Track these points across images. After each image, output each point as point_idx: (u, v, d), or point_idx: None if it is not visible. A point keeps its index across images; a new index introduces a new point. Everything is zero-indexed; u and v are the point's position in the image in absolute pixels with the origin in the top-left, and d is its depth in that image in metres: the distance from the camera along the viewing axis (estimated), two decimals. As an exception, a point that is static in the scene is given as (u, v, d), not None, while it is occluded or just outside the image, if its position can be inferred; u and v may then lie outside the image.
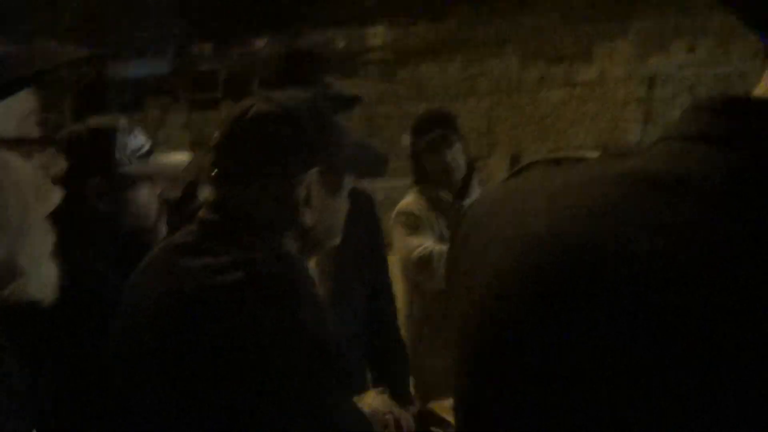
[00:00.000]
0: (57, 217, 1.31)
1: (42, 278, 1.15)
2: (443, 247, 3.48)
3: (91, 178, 2.25)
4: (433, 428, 2.80)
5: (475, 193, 3.70)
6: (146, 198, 2.39)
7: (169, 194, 2.50)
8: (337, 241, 1.87)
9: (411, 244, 3.55)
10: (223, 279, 1.53)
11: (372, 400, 2.24)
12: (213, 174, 1.74)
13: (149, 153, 2.39)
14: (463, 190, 3.71)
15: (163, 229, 2.45)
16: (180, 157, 2.48)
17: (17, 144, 1.08)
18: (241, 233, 1.65)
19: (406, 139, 3.94)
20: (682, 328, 0.59)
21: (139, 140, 2.36)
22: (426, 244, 3.51)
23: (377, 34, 43.08)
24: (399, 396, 2.98)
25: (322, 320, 1.54)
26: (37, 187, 1.11)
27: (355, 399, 1.78)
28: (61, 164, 1.17)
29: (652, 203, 0.64)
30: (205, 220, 1.71)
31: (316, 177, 1.72)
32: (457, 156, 3.68)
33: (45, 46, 1.16)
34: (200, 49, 48.35)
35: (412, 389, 3.30)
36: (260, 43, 47.19)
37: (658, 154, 0.69)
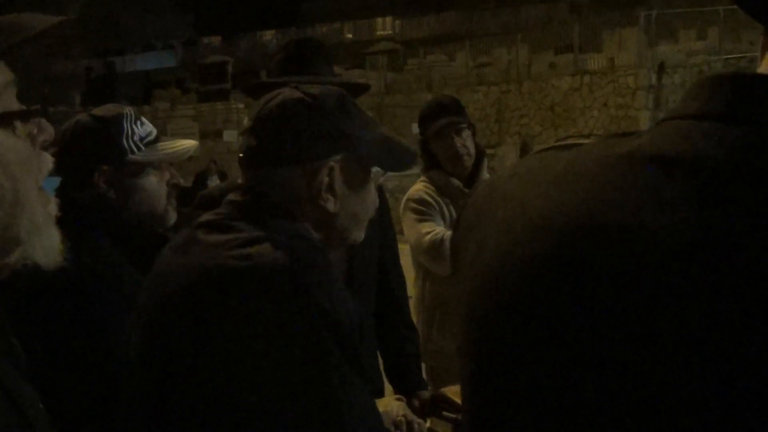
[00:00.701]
0: (63, 197, 1.31)
1: (44, 245, 1.14)
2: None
3: (100, 167, 2.25)
4: (445, 413, 2.80)
5: (485, 179, 3.71)
6: (155, 184, 2.39)
7: (178, 180, 2.50)
8: (362, 236, 1.90)
9: (422, 230, 3.56)
10: (239, 252, 1.56)
11: (388, 403, 2.26)
12: (240, 157, 1.78)
13: (156, 140, 2.39)
14: (472, 177, 3.70)
15: (173, 214, 2.45)
16: (186, 143, 2.48)
17: None
18: (265, 215, 1.68)
19: (415, 128, 3.94)
20: (692, 303, 0.58)
21: (146, 128, 2.36)
22: (437, 230, 3.52)
23: (385, 25, 43.09)
24: (411, 381, 3.00)
25: (339, 302, 1.56)
26: (24, 158, 1.09)
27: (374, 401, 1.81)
28: (47, 131, 1.15)
29: (657, 181, 0.63)
30: (233, 201, 1.75)
31: (340, 165, 1.74)
32: (466, 142, 3.67)
33: (19, 17, 1.14)
34: (209, 42, 48.39)
35: (424, 374, 3.31)
36: (268, 35, 47.13)
37: (662, 132, 0.67)
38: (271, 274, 1.50)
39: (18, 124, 1.09)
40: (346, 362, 1.52)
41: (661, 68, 21.61)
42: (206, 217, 1.72)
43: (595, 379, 0.62)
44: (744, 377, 0.56)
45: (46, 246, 1.14)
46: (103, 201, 2.23)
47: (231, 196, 1.75)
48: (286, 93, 1.77)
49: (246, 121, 1.78)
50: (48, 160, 1.15)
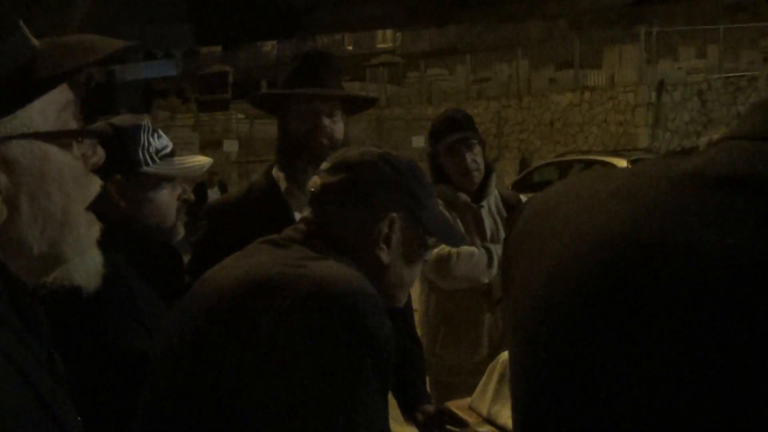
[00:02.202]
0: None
1: (86, 266, 1.16)
2: (460, 248, 3.49)
3: (113, 176, 2.25)
4: (449, 427, 2.80)
5: (493, 195, 3.73)
6: (166, 198, 2.38)
7: (189, 196, 2.50)
8: (403, 302, 1.98)
9: (432, 250, 3.56)
10: (296, 263, 1.63)
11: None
12: (313, 190, 1.86)
13: (172, 154, 2.39)
14: (480, 192, 3.71)
15: (181, 229, 2.45)
16: (202, 159, 2.48)
17: (57, 136, 1.08)
18: (323, 246, 1.76)
19: (416, 141, 3.95)
20: (751, 325, 0.58)
21: (162, 141, 2.35)
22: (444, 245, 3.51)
23: (386, 38, 43.16)
24: (415, 394, 3.00)
25: (386, 330, 1.61)
26: (77, 177, 1.12)
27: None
28: (99, 154, 1.18)
29: (716, 202, 0.63)
30: (297, 228, 1.85)
31: (401, 222, 1.84)
32: (477, 158, 3.67)
33: (84, 38, 1.17)
34: (209, 52, 48.42)
35: (428, 388, 3.30)
36: (268, 45, 47.16)
37: (720, 153, 0.67)
38: (325, 283, 1.54)
39: (74, 143, 1.10)
40: (378, 389, 1.54)
41: (661, 85, 21.65)
42: (267, 237, 1.82)
43: (652, 398, 0.62)
44: None
45: (89, 267, 1.17)
46: (113, 210, 2.22)
47: (294, 225, 1.85)
48: (369, 147, 1.92)
49: (324, 164, 1.88)
50: (97, 183, 1.17)
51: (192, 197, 2.50)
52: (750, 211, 0.61)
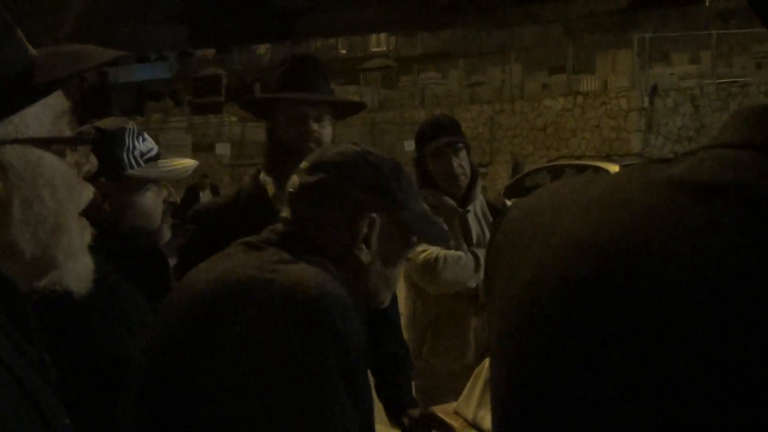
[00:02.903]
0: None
1: (78, 271, 1.18)
2: (447, 252, 3.49)
3: (98, 179, 2.25)
4: (435, 431, 2.81)
5: (479, 199, 3.74)
6: (151, 201, 2.38)
7: (175, 199, 2.50)
8: (388, 301, 1.97)
9: (415, 248, 3.57)
10: (268, 266, 1.63)
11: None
12: (291, 190, 1.85)
13: (157, 157, 2.39)
14: (467, 196, 3.72)
15: (167, 232, 2.45)
16: (186, 162, 2.48)
17: (51, 142, 1.11)
18: (300, 247, 1.76)
19: (408, 145, 3.96)
20: (728, 330, 0.58)
21: (147, 144, 2.35)
22: (430, 248, 3.52)
23: (379, 42, 43.18)
24: (402, 399, 3.00)
25: (354, 333, 1.61)
26: (69, 184, 1.14)
27: None
28: (92, 162, 1.21)
29: (697, 209, 0.64)
30: (273, 229, 1.83)
31: (381, 222, 1.83)
32: (463, 162, 3.67)
33: (79, 47, 1.19)
34: (203, 54, 48.38)
35: (414, 393, 3.30)
36: (262, 48, 47.14)
37: (702, 161, 0.68)
38: (293, 288, 1.54)
39: (68, 151, 1.12)
40: (346, 391, 1.55)
41: (654, 91, 21.68)
42: (245, 239, 1.81)
43: (628, 400, 0.63)
44: None
45: (80, 272, 1.18)
46: (98, 213, 2.22)
47: (272, 226, 1.85)
48: (348, 146, 1.89)
49: (303, 163, 1.87)
50: (90, 190, 1.20)
51: (177, 200, 2.50)
52: (731, 219, 0.61)
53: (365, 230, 1.80)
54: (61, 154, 1.11)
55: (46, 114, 1.10)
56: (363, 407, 1.69)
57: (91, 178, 2.17)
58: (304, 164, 1.87)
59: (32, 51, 1.11)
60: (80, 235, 1.16)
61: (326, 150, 1.91)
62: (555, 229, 0.73)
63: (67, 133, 1.14)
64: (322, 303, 1.53)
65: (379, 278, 1.87)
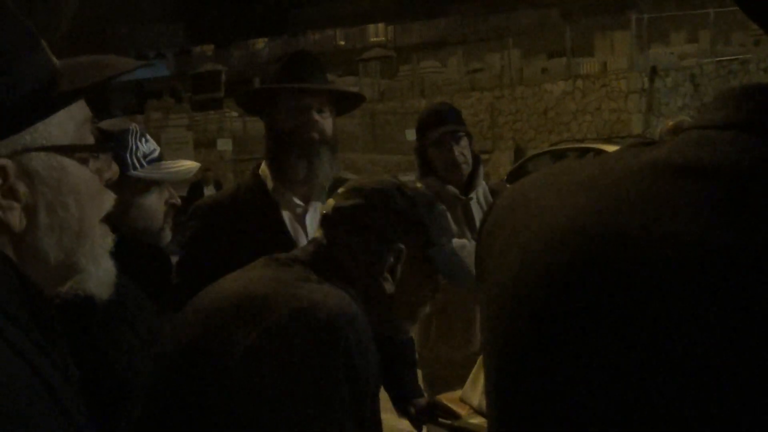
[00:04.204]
0: None
1: (100, 276, 1.21)
2: (451, 241, 3.48)
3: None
4: (441, 420, 2.82)
5: (481, 186, 3.75)
6: (154, 202, 2.39)
7: (176, 200, 2.50)
8: (407, 335, 2.00)
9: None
10: (292, 283, 1.66)
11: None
12: (325, 212, 1.88)
13: (159, 158, 2.39)
14: (469, 184, 3.72)
15: (168, 233, 2.46)
16: (189, 164, 2.49)
17: (75, 150, 1.14)
18: (327, 271, 1.78)
19: (409, 134, 3.96)
20: (715, 309, 0.58)
21: (149, 145, 2.36)
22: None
23: (377, 32, 43.09)
24: (407, 388, 3.01)
25: (369, 362, 1.62)
26: (92, 191, 1.17)
27: None
28: (114, 170, 1.24)
29: (682, 190, 0.64)
30: (304, 248, 1.87)
31: (408, 254, 1.84)
32: (464, 150, 3.68)
33: (101, 58, 1.23)
34: (201, 51, 48.32)
35: (420, 381, 3.31)
36: (260, 43, 47.05)
37: (685, 142, 0.68)
38: (313, 307, 1.57)
39: (90, 159, 1.15)
40: (352, 414, 1.57)
41: (653, 71, 21.64)
42: (274, 255, 1.85)
43: (613, 386, 0.63)
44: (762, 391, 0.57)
45: (102, 277, 1.20)
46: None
47: (304, 246, 1.91)
48: (386, 177, 1.97)
49: (341, 188, 1.92)
50: (111, 198, 1.21)
51: (179, 202, 2.51)
52: (714, 200, 0.61)
53: (392, 260, 1.83)
54: (84, 162, 1.14)
55: (69, 122, 1.13)
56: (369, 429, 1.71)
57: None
58: (341, 189, 1.91)
59: (56, 61, 1.14)
60: (102, 240, 1.18)
61: (365, 178, 1.96)
62: (542, 215, 0.73)
63: (90, 141, 1.17)
64: (339, 324, 1.55)
65: (404, 310, 1.90)
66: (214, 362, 1.57)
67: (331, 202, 1.88)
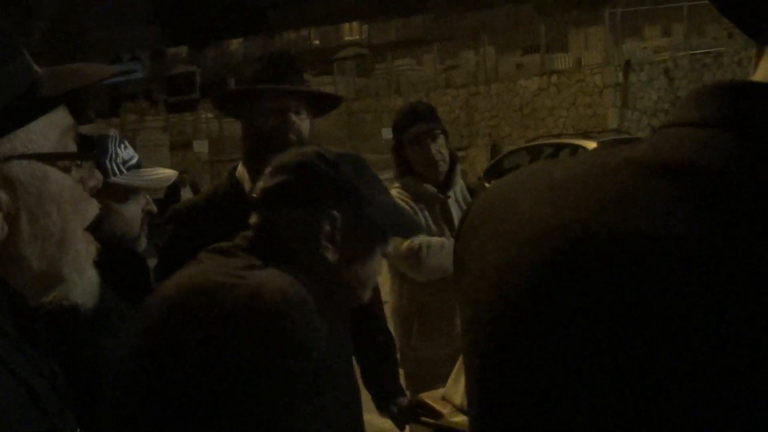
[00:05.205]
0: None
1: (83, 285, 1.20)
2: (430, 239, 3.51)
3: (80, 186, 2.25)
4: (424, 419, 2.82)
5: (459, 184, 3.76)
6: (133, 209, 2.38)
7: (153, 208, 2.50)
8: (365, 299, 1.98)
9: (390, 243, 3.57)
10: (235, 272, 1.65)
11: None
12: (254, 195, 1.87)
13: (138, 165, 2.39)
14: (446, 182, 3.73)
15: (144, 240, 2.45)
16: (167, 172, 2.48)
17: (57, 157, 1.13)
18: (269, 253, 1.77)
19: (386, 133, 3.96)
20: (696, 310, 0.58)
21: (128, 151, 2.35)
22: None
23: (352, 31, 43.12)
24: (389, 388, 3.00)
25: (315, 337, 1.62)
26: (75, 199, 1.15)
27: None
28: (98, 178, 1.23)
29: (658, 188, 0.64)
30: (244, 236, 1.85)
31: (344, 218, 1.83)
32: (441, 148, 3.68)
33: (83, 65, 1.24)
34: (176, 52, 48.18)
35: (402, 381, 3.31)
36: (235, 43, 46.94)
37: (660, 140, 0.68)
38: (256, 293, 1.55)
39: (73, 167, 1.14)
40: (306, 394, 1.58)
41: (628, 66, 21.75)
42: (216, 245, 1.84)
43: (593, 387, 0.63)
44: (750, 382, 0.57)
45: (86, 286, 1.19)
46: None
47: (244, 233, 1.87)
48: (308, 148, 1.94)
49: (265, 170, 1.90)
50: (95, 206, 1.21)
51: (155, 209, 2.50)
52: (685, 198, 0.61)
53: (328, 228, 1.81)
54: (67, 170, 1.13)
55: (51, 130, 1.12)
56: (335, 407, 1.71)
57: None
58: (266, 170, 1.90)
59: (36, 68, 1.14)
60: (86, 249, 1.17)
61: (285, 154, 1.93)
62: (520, 214, 0.73)
63: (73, 149, 1.17)
64: (285, 307, 1.55)
65: (353, 276, 1.87)
66: (166, 360, 1.58)
67: (260, 184, 1.88)
